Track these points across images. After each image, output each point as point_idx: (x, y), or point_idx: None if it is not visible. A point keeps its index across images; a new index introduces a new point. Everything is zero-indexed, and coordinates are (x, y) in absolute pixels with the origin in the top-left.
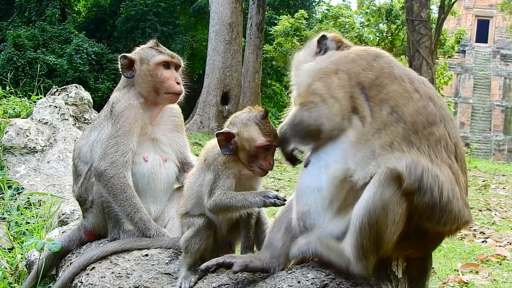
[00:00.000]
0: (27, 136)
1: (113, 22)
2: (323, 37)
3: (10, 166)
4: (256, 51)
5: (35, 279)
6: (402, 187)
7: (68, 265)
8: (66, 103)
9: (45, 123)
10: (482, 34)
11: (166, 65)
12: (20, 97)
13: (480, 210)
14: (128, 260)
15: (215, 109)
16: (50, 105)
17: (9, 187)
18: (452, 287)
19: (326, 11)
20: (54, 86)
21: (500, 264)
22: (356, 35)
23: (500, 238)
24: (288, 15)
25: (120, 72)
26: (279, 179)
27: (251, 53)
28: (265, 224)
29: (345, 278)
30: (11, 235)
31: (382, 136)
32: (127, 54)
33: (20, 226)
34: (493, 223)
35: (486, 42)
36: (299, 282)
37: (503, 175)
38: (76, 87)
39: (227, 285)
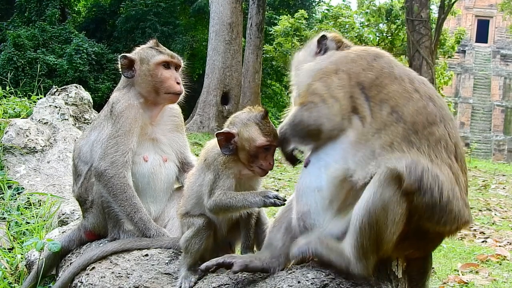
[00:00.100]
0: (27, 136)
1: (113, 22)
2: (323, 37)
3: (10, 166)
4: (256, 51)
5: (35, 279)
6: (402, 187)
7: (68, 265)
8: (66, 103)
9: (45, 123)
10: (482, 34)
11: (166, 65)
12: (20, 97)
13: (480, 210)
14: (128, 260)
15: (215, 109)
16: (50, 105)
17: (9, 187)
18: (452, 287)
19: (326, 11)
20: (54, 86)
21: (500, 264)
22: (356, 35)
23: (500, 238)
24: (288, 15)
25: (120, 72)
26: (279, 179)
27: (251, 53)
28: (265, 224)
29: (345, 278)
30: (11, 235)
31: (382, 136)
32: (127, 54)
33: (20, 226)
34: (493, 223)
35: (486, 42)
36: (299, 282)
37: (503, 175)
38: (76, 87)
39: (227, 285)
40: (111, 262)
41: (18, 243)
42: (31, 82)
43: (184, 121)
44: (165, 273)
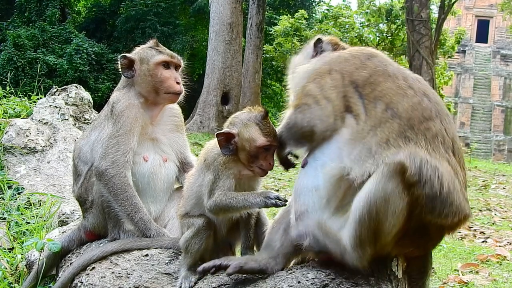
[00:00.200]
0: (27, 136)
1: (113, 22)
2: (319, 41)
3: (10, 166)
4: (256, 51)
5: (35, 279)
6: (404, 180)
7: (68, 265)
8: (66, 103)
9: (45, 123)
10: (482, 34)
11: (166, 65)
12: (20, 97)
13: (480, 210)
14: (128, 260)
15: (215, 109)
16: (50, 105)
17: (9, 187)
18: (452, 287)
19: (326, 11)
20: (54, 86)
21: (500, 264)
22: (356, 35)
23: (500, 238)
24: (288, 15)
25: (120, 72)
26: (279, 179)
27: (251, 53)
28: (265, 225)
29: (345, 278)
30: (11, 235)
31: (378, 133)
32: (127, 54)
33: (20, 226)
34: (493, 223)
35: (486, 42)
36: (299, 282)
37: (503, 175)
38: (76, 87)
39: (227, 285)
40: (111, 262)
41: (18, 243)
42: (31, 82)
43: (184, 121)
44: (165, 273)
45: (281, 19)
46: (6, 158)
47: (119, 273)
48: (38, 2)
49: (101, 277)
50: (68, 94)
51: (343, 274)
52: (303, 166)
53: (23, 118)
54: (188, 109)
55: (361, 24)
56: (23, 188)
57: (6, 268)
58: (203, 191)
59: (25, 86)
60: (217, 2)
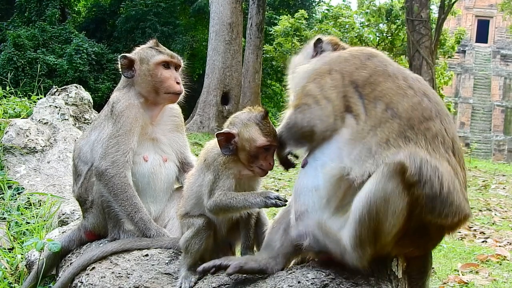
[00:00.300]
0: (27, 136)
1: (113, 22)
2: (319, 41)
3: (10, 166)
4: (256, 51)
5: (35, 279)
6: (404, 180)
7: (68, 265)
8: (66, 103)
9: (45, 123)
10: (482, 34)
11: (166, 65)
12: (20, 97)
13: (480, 210)
14: (128, 260)
15: (215, 109)
16: (50, 105)
17: (9, 187)
18: (452, 287)
19: (326, 11)
20: (54, 86)
21: (500, 264)
22: (356, 35)
23: (500, 238)
24: (288, 15)
25: (120, 72)
26: (279, 179)
27: (251, 53)
28: (265, 225)
29: (345, 278)
30: (11, 235)
31: (378, 132)
32: (127, 54)
33: (20, 226)
34: (493, 223)
35: (486, 42)
36: (299, 282)
37: (503, 175)
38: (76, 87)
39: (227, 285)
40: (111, 262)
41: (18, 243)
42: (31, 82)
43: (184, 121)
44: (165, 273)
45: (281, 19)
46: (6, 158)
47: (119, 273)
48: (38, 2)
49: (101, 277)
50: (68, 94)
51: (343, 274)
52: (303, 166)
53: (23, 118)
54: (188, 109)
55: (361, 24)
56: (23, 188)
57: (6, 268)
58: (203, 191)
59: (25, 86)
60: (217, 2)
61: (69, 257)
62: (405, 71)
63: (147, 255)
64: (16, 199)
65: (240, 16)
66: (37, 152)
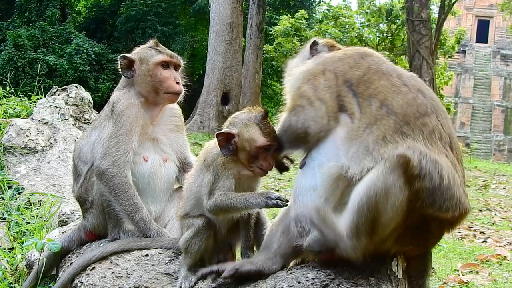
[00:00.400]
0: (27, 136)
1: (113, 22)
2: (315, 43)
3: (10, 166)
4: (256, 51)
5: (35, 279)
6: (407, 172)
7: (68, 265)
8: (66, 103)
9: (45, 123)
10: (482, 34)
11: (166, 65)
12: (20, 97)
13: (480, 210)
14: (128, 260)
15: (215, 109)
16: (50, 105)
17: (9, 187)
18: (452, 287)
19: (326, 11)
20: (54, 86)
21: (500, 264)
22: (356, 35)
23: (500, 238)
24: (288, 15)
25: (120, 72)
26: (279, 179)
27: (251, 53)
28: (265, 225)
29: (345, 278)
30: (11, 235)
31: (374, 130)
32: (127, 54)
33: (20, 226)
34: (493, 223)
35: (486, 42)
36: (299, 282)
37: (503, 175)
38: (76, 87)
39: (227, 285)
40: (111, 262)
41: (18, 243)
42: (31, 82)
43: (184, 121)
44: (165, 273)
45: (281, 19)
46: (6, 158)
47: (119, 273)
48: (38, 2)
49: (101, 277)
50: (68, 94)
51: (343, 274)
52: (301, 167)
53: (23, 118)
54: (188, 109)
55: (361, 24)
56: (23, 188)
57: (6, 268)
58: (202, 191)
59: (25, 86)
60: (217, 2)
61: (69, 257)
62: (399, 69)
63: (147, 255)
64: (16, 199)
65: (240, 16)
66: (37, 152)
